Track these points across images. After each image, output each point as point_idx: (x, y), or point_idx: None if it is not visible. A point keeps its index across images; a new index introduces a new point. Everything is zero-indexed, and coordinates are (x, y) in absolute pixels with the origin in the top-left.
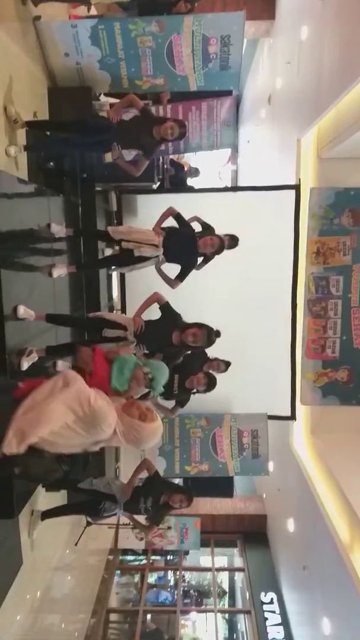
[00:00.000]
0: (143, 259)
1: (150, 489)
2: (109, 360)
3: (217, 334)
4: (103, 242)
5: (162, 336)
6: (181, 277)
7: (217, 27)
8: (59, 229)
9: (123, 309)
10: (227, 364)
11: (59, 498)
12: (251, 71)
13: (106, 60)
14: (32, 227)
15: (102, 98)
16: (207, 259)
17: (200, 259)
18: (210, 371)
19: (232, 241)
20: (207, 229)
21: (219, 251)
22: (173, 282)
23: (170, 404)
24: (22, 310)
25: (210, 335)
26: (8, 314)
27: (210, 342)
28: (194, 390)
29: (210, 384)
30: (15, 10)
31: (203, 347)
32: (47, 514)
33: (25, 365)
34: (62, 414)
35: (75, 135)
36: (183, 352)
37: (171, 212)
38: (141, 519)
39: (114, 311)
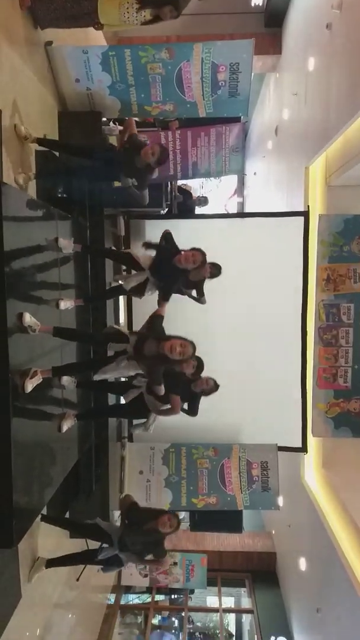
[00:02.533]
0: (140, 289)
1: (136, 522)
2: None
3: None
4: (110, 258)
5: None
6: (164, 296)
7: (226, 55)
8: (66, 244)
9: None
10: (217, 384)
11: (59, 538)
12: (257, 106)
13: (116, 86)
14: (40, 243)
15: (112, 124)
16: (198, 286)
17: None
18: (202, 390)
19: (215, 269)
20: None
21: (201, 268)
22: (160, 306)
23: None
24: (27, 318)
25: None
26: (12, 327)
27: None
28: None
29: (199, 367)
30: (28, 34)
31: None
32: (51, 563)
33: (29, 387)
34: None
35: (85, 168)
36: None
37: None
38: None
39: None
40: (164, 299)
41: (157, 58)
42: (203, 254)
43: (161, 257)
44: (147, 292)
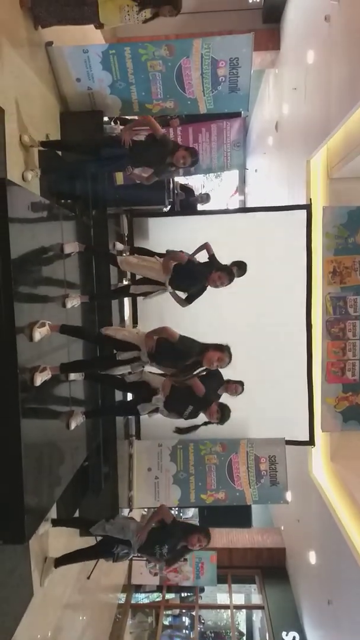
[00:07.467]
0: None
1: (166, 536)
2: None
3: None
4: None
5: (179, 356)
6: (189, 300)
7: (226, 50)
8: (71, 249)
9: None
10: (242, 385)
11: (69, 538)
12: (257, 103)
13: (117, 84)
14: (45, 243)
15: (113, 124)
16: None
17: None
18: (228, 393)
19: (240, 270)
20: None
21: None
22: (183, 302)
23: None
24: (37, 335)
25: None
26: (20, 326)
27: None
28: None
29: (223, 417)
30: (28, 35)
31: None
32: (60, 561)
33: (38, 381)
34: None
35: (89, 162)
36: (198, 369)
37: (207, 248)
38: None
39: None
40: (189, 302)
41: (157, 55)
42: (229, 274)
43: (186, 275)
44: (154, 296)
